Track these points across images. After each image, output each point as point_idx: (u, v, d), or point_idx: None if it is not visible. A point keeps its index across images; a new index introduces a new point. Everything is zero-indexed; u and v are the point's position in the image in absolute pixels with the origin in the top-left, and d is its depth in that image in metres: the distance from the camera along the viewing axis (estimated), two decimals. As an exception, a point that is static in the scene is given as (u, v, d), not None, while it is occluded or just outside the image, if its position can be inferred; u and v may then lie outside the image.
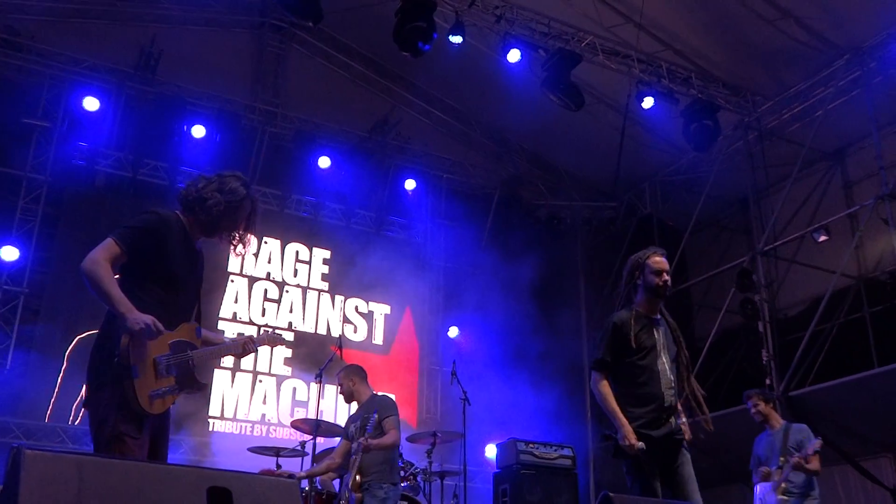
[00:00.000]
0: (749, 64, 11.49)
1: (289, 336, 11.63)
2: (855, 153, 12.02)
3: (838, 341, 11.45)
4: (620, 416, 4.42)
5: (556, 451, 8.12)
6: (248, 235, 3.87)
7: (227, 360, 11.18)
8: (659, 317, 4.76)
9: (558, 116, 11.58)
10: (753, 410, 7.13)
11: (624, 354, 4.55)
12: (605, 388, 4.54)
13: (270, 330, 4.45)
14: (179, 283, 3.58)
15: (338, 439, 8.20)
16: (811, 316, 10.68)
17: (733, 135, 12.13)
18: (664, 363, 4.58)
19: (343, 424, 8.35)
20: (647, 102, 11.12)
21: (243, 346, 3.94)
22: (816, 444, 6.59)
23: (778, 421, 7.13)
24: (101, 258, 3.38)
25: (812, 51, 10.79)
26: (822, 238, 11.03)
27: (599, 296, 13.93)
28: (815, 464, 6.62)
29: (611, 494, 3.40)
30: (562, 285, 13.74)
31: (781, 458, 6.72)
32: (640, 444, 4.31)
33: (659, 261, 4.69)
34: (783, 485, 6.62)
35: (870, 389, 9.85)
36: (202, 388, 3.61)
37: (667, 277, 4.69)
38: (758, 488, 6.93)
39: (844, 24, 10.37)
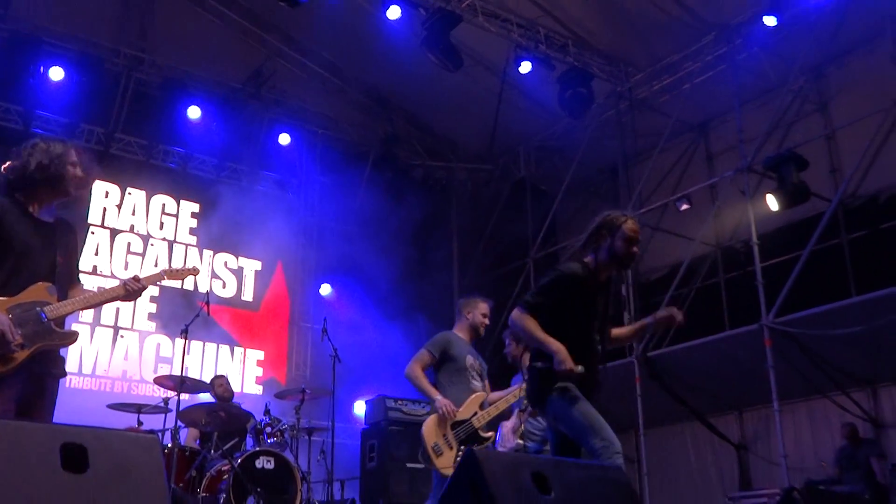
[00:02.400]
0: (624, 35, 11.78)
1: (154, 291, 11.25)
2: (718, 126, 12.58)
3: (695, 305, 12.06)
4: (553, 341, 4.03)
5: (423, 407, 8.20)
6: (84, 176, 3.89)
7: (86, 315, 10.73)
8: (605, 282, 4.38)
9: (437, 77, 11.54)
10: (507, 350, 6.75)
11: (560, 312, 4.18)
12: (530, 321, 4.12)
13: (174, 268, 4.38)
14: (28, 256, 3.68)
15: (203, 395, 8.04)
16: (671, 281, 11.19)
17: (606, 103, 12.45)
18: (596, 337, 4.28)
19: (208, 380, 8.20)
20: (525, 67, 11.24)
21: (125, 288, 3.83)
22: None
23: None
24: None
25: (683, 25, 11.17)
26: (684, 207, 11.51)
27: (472, 255, 14.15)
28: None
29: (474, 448, 3.46)
30: (435, 244, 13.84)
31: (525, 402, 6.34)
32: (580, 368, 3.98)
33: (635, 229, 4.29)
34: (521, 427, 6.44)
35: (720, 350, 10.44)
36: (67, 338, 3.68)
37: (636, 250, 4.31)
38: (499, 429, 6.64)
39: (715, 1, 10.77)
